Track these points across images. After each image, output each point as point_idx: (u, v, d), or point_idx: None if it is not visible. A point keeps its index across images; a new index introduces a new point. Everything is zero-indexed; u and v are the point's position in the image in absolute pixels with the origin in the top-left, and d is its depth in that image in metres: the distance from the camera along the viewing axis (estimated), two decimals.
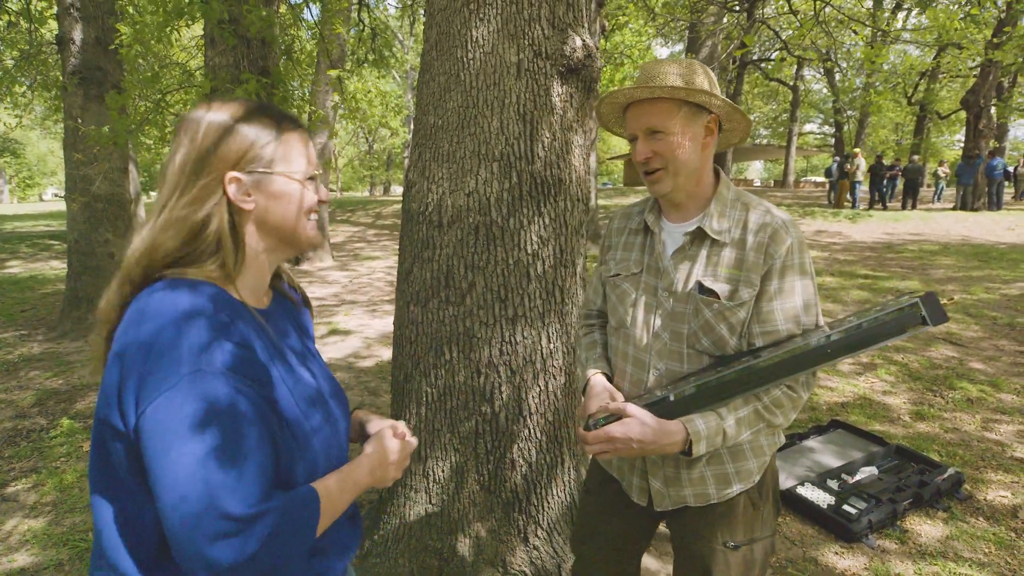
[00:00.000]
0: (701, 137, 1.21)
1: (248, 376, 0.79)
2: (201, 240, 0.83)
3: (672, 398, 1.18)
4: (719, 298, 1.18)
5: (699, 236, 1.24)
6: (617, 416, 1.17)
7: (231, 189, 0.86)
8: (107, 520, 0.81)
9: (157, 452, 0.71)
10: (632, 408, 1.17)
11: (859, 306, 6.51)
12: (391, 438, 1.01)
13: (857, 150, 16.81)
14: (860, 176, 15.71)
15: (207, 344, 0.75)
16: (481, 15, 1.93)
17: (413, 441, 1.05)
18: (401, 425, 1.05)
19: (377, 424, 1.07)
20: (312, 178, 0.94)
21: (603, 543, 1.48)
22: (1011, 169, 17.49)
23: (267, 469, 0.77)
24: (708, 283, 1.19)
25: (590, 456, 1.50)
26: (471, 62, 1.94)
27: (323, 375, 1.02)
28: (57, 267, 10.32)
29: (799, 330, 1.17)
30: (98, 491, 0.82)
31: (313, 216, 0.95)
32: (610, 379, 1.37)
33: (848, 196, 16.11)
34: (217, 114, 0.87)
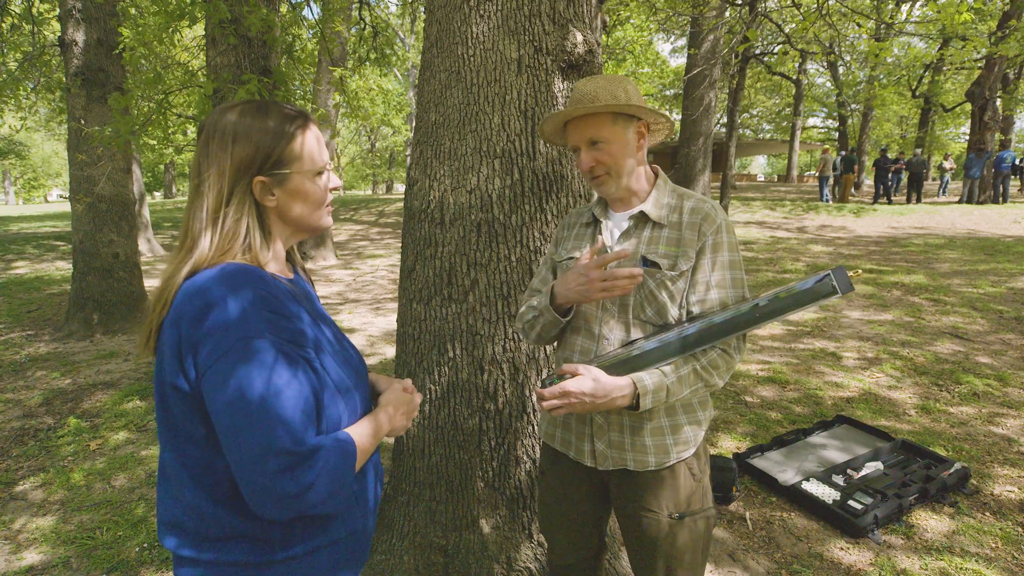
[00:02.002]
0: (635, 141, 1.37)
1: (288, 339, 0.91)
2: (239, 235, 0.97)
3: (620, 359, 1.29)
4: (660, 268, 1.33)
5: (641, 219, 1.39)
6: (571, 375, 1.27)
7: (256, 190, 0.98)
8: (182, 470, 0.93)
9: (220, 412, 0.84)
10: (584, 367, 1.27)
11: (865, 300, 6.49)
12: (401, 393, 1.16)
13: (827, 146, 18.22)
14: (828, 172, 16.76)
15: (249, 315, 0.87)
16: (481, 11, 1.92)
17: (419, 396, 1.21)
18: (408, 383, 1.21)
19: (386, 383, 1.22)
20: (324, 169, 1.05)
21: (565, 518, 1.56)
22: (1018, 161, 17.38)
23: (311, 414, 0.90)
24: (651, 256, 1.34)
25: (537, 421, 1.57)
26: (472, 59, 1.94)
27: (345, 336, 1.16)
28: (63, 267, 10.38)
29: (729, 299, 1.32)
30: (170, 445, 0.95)
31: (327, 201, 1.07)
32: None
33: (827, 191, 16.73)
34: (242, 122, 0.97)
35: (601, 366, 1.29)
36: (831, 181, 17.14)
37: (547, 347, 2.05)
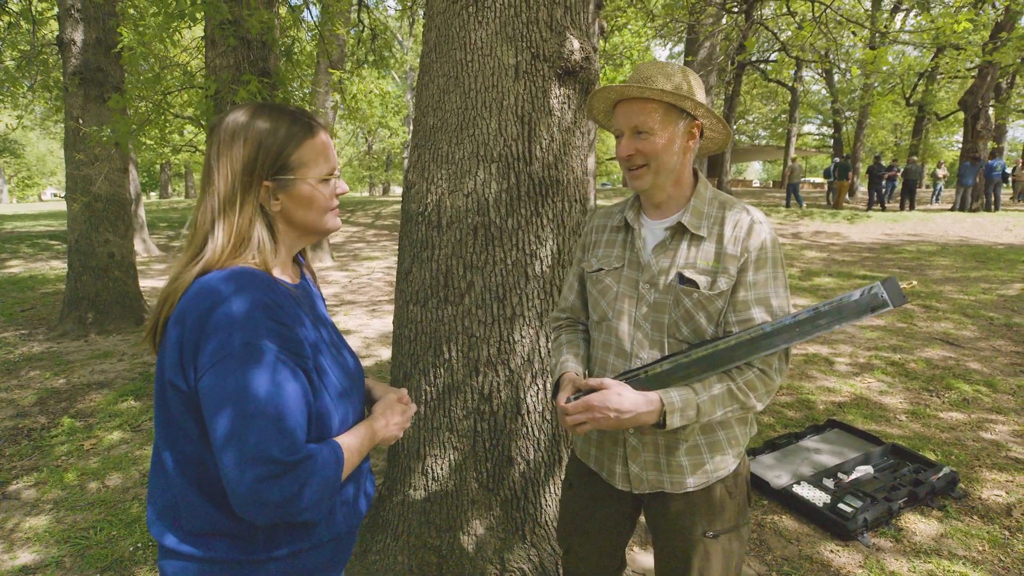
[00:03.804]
0: (684, 141, 1.27)
1: (288, 348, 0.91)
2: (249, 238, 0.98)
3: (648, 373, 1.23)
4: (698, 288, 1.24)
5: (679, 231, 1.30)
6: (595, 388, 1.22)
7: (261, 194, 0.98)
8: (174, 465, 0.95)
9: (215, 413, 0.85)
10: (609, 381, 1.22)
11: None
12: (396, 403, 1.16)
13: (794, 156, 19.72)
14: (796, 179, 17.70)
15: (253, 321, 0.88)
16: (480, 18, 1.95)
17: (413, 406, 1.20)
18: (404, 393, 1.20)
19: (382, 390, 1.21)
20: (331, 175, 1.05)
21: (590, 534, 1.52)
22: (1009, 171, 17.55)
23: (303, 424, 0.90)
24: (688, 274, 1.25)
25: (571, 436, 1.54)
26: (470, 64, 1.96)
27: (344, 341, 1.16)
28: (57, 267, 10.34)
29: (772, 318, 1.22)
30: (165, 439, 0.95)
31: (333, 206, 1.07)
32: (586, 375, 1.43)
33: (795, 197, 17.55)
34: (252, 123, 0.97)
35: (629, 382, 1.23)
36: (824, 188, 17.60)
37: (542, 352, 2.07)
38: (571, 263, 2.10)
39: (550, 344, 1.54)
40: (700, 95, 1.26)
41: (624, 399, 1.18)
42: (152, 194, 43.71)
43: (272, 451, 0.83)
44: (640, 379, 1.24)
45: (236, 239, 0.95)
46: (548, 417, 2.12)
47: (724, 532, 1.34)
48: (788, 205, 17.28)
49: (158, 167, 33.63)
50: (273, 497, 0.84)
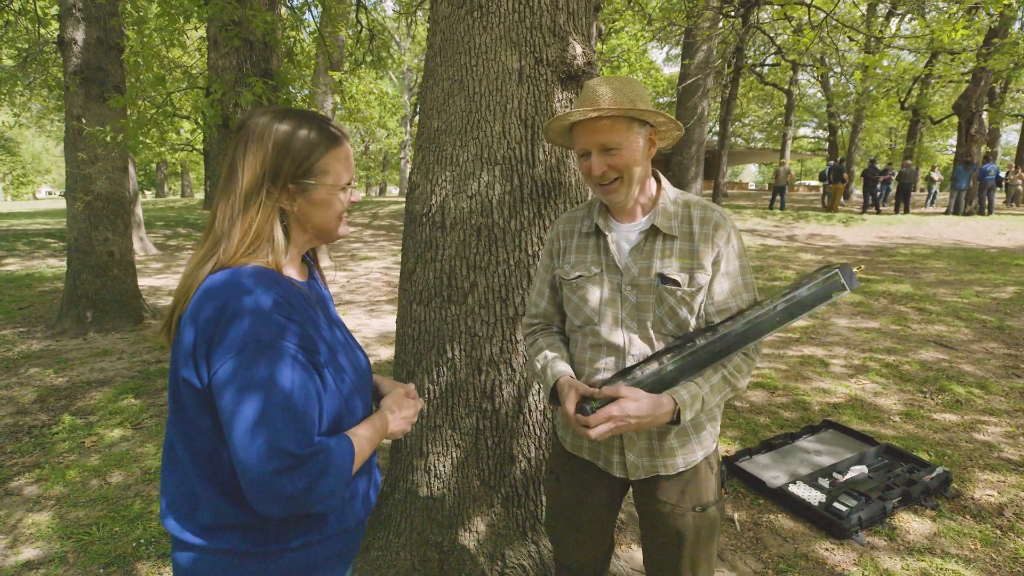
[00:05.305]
0: (646, 148, 1.34)
1: (300, 344, 0.93)
2: (264, 238, 1.00)
3: (655, 377, 1.30)
4: (680, 285, 1.32)
5: (652, 233, 1.37)
6: (611, 398, 1.26)
7: (283, 196, 1.02)
8: (188, 459, 0.97)
9: (230, 407, 0.87)
10: (624, 389, 1.27)
11: (852, 308, 6.60)
12: (403, 397, 1.19)
13: (784, 160, 20.45)
14: (783, 182, 18.15)
15: (269, 318, 0.90)
16: (484, 23, 1.98)
17: (421, 401, 1.23)
18: (411, 388, 1.23)
19: (389, 386, 1.25)
20: (349, 184, 1.09)
21: (581, 523, 1.57)
22: (1003, 175, 17.71)
23: (315, 419, 0.93)
24: (669, 273, 1.33)
25: (557, 430, 1.58)
26: (474, 68, 2.00)
27: (355, 340, 1.19)
28: (55, 265, 10.32)
29: (744, 304, 1.35)
30: (178, 432, 0.98)
31: (344, 215, 1.11)
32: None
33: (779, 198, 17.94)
34: (281, 127, 1.00)
35: (638, 386, 1.29)
36: (820, 191, 17.90)
37: None
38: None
39: (527, 348, 1.58)
40: (648, 101, 1.32)
41: (642, 405, 1.24)
42: (148, 193, 43.58)
43: (288, 445, 0.86)
44: (648, 382, 1.29)
45: (252, 238, 0.97)
46: (549, 415, 2.15)
47: (710, 504, 1.43)
48: (782, 207, 17.50)
49: (154, 166, 33.54)
50: (288, 489, 0.85)
